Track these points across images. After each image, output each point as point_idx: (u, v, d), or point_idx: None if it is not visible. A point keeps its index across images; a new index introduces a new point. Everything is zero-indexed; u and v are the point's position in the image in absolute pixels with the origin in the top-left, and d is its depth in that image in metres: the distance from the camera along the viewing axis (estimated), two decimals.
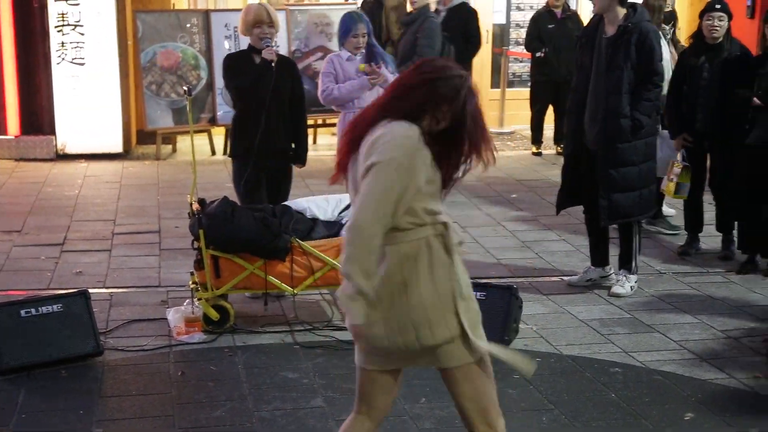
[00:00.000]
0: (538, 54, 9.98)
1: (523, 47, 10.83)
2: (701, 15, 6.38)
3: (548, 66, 9.90)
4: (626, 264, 5.89)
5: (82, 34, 9.66)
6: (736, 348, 5.04)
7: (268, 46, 5.60)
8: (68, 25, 9.64)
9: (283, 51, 10.23)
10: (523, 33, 10.98)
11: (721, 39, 6.29)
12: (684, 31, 10.03)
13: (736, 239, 6.51)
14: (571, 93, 5.87)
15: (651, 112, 5.62)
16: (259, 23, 5.62)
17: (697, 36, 6.41)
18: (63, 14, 9.61)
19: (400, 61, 7.94)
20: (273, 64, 5.57)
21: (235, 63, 5.73)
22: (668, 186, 6.50)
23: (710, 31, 6.28)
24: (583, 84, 5.69)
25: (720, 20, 6.26)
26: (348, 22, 6.21)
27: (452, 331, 2.92)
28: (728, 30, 6.33)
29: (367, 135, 2.90)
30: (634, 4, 5.62)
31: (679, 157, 6.44)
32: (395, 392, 3.12)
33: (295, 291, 5.20)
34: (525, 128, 10.80)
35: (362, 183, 2.83)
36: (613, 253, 6.04)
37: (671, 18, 6.87)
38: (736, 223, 6.50)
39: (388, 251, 2.88)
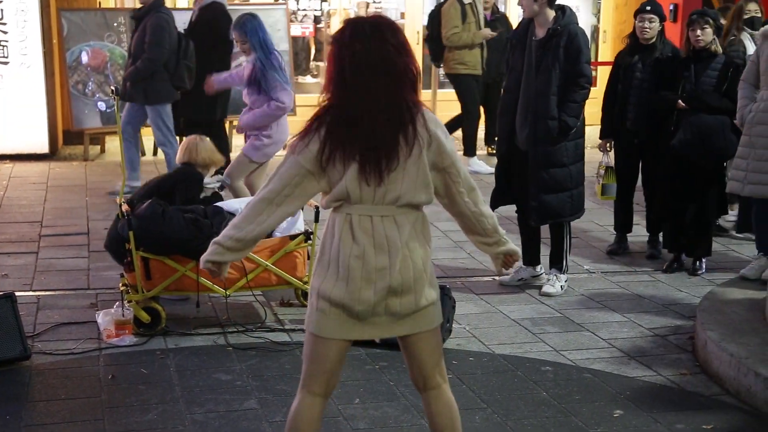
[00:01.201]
0: None
1: None
2: (635, 15, 6.53)
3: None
4: (557, 263, 5.98)
5: (5, 32, 9.45)
6: (662, 346, 5.15)
7: (227, 183, 5.88)
8: None
9: None
10: None
11: (653, 40, 6.43)
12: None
13: (662, 239, 6.66)
14: (503, 94, 5.95)
15: (578, 114, 5.71)
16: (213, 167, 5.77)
17: (633, 36, 6.54)
18: None
19: (132, 59, 7.93)
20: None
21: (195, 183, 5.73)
22: (597, 188, 6.63)
23: (641, 31, 6.42)
24: (515, 85, 5.77)
25: (651, 21, 6.39)
26: None
27: (437, 291, 3.17)
28: (661, 31, 6.47)
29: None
30: (563, 7, 5.71)
31: (604, 159, 6.56)
32: (341, 367, 3.20)
33: (227, 292, 5.16)
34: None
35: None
36: (544, 252, 6.13)
37: (757, 23, 6.89)
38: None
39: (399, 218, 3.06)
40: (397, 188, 3.01)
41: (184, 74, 8.07)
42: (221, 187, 5.60)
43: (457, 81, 9.60)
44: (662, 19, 6.46)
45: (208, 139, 5.77)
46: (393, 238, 3.02)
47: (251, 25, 6.32)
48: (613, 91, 6.58)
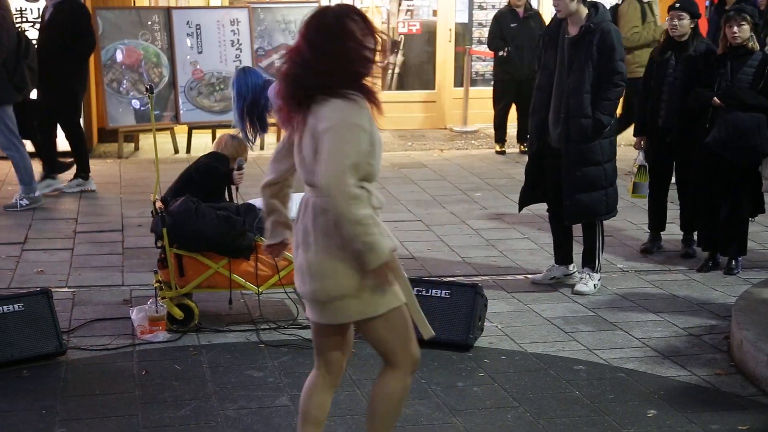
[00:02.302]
0: (500, 53, 10.03)
1: (485, 46, 10.88)
2: (668, 12, 6.47)
3: (510, 65, 9.96)
4: (589, 262, 5.93)
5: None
6: (697, 345, 5.10)
7: (241, 165, 5.53)
8: (27, 21, 9.51)
9: (246, 49, 10.22)
10: (485, 32, 11.02)
11: (686, 37, 6.36)
12: None
13: (696, 237, 6.59)
14: (535, 92, 5.91)
15: (612, 111, 5.68)
16: (239, 156, 5.56)
17: (667, 33, 6.49)
18: (21, 10, 9.49)
19: None
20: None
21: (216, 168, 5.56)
22: (628, 186, 6.57)
23: (671, 29, 6.37)
24: (547, 83, 5.74)
25: (680, 19, 6.33)
26: None
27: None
28: (695, 28, 6.40)
29: None
30: (596, 4, 5.67)
31: (641, 156, 6.51)
32: (344, 348, 3.40)
33: (259, 290, 5.18)
34: (488, 127, 10.85)
35: None
36: (577, 251, 6.09)
37: None
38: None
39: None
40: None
41: (25, 75, 7.62)
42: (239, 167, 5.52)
43: (633, 83, 8.93)
44: (694, 16, 6.38)
45: (239, 137, 5.76)
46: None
47: None
48: (648, 88, 6.53)
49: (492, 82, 10.59)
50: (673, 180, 6.75)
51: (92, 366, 4.70)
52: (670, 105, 6.39)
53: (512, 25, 9.96)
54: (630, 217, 7.59)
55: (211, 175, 5.44)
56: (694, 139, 6.27)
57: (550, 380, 4.62)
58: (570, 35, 5.63)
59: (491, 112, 10.40)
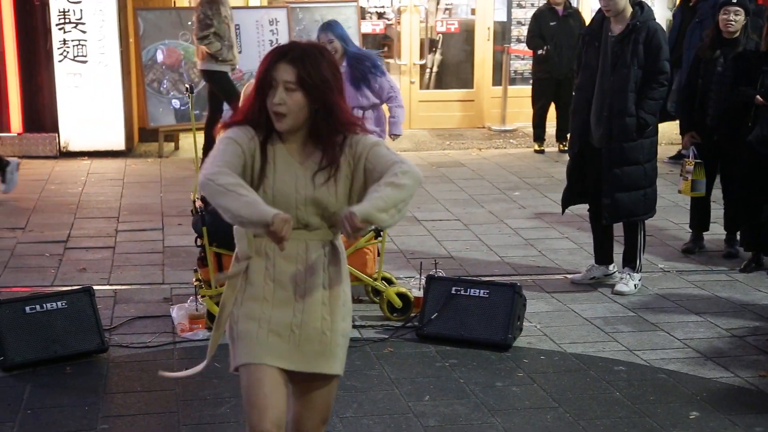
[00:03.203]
0: (539, 51, 9.98)
1: (524, 45, 10.82)
2: (719, 8, 6.38)
3: (549, 63, 9.91)
4: (630, 262, 5.88)
5: (84, 32, 9.66)
6: (740, 346, 5.04)
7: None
8: (70, 22, 9.63)
9: None
10: (524, 30, 10.97)
11: (737, 34, 6.29)
12: None
13: (739, 237, 6.50)
14: (575, 92, 5.87)
15: (656, 111, 5.63)
16: None
17: (715, 29, 6.41)
18: (64, 12, 9.60)
19: None
20: None
21: None
22: (684, 185, 6.45)
23: (726, 25, 6.28)
24: (589, 83, 5.69)
25: (736, 14, 6.24)
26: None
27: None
28: (746, 25, 6.32)
29: None
30: (641, 2, 5.61)
31: (690, 154, 6.41)
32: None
33: None
34: (527, 126, 10.80)
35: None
36: (617, 250, 6.03)
37: None
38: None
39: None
40: None
41: None
42: None
43: None
44: (747, 12, 6.30)
45: None
46: None
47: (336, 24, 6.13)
48: (693, 86, 6.45)
49: (531, 81, 10.54)
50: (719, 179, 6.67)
51: (133, 363, 4.74)
52: (718, 104, 6.31)
53: (551, 23, 9.90)
54: (671, 217, 7.51)
55: None
56: (739, 138, 6.19)
57: (590, 381, 4.59)
58: (614, 33, 5.58)
59: (530, 111, 10.35)
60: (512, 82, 11.67)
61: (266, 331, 2.86)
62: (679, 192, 6.59)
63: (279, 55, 2.82)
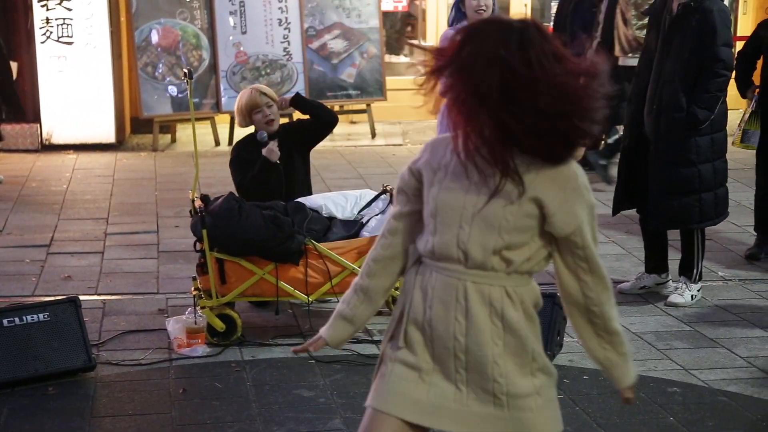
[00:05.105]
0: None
1: None
2: None
3: None
4: (687, 271, 5.85)
5: (69, 9, 9.73)
6: None
7: (263, 140, 5.57)
8: None
9: (295, 29, 10.28)
10: None
11: None
12: None
13: None
14: (634, 78, 5.85)
15: (712, 106, 5.53)
16: (257, 108, 5.60)
17: None
18: None
19: None
20: (278, 161, 5.56)
21: (244, 153, 5.65)
22: (736, 135, 6.38)
23: None
24: (646, 68, 5.66)
25: None
26: None
27: None
28: None
29: None
30: None
31: (753, 103, 6.33)
32: None
33: (309, 298, 5.21)
34: None
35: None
36: (672, 257, 6.02)
37: None
38: None
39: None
40: None
41: None
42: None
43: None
44: None
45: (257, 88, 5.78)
46: None
47: None
48: (747, 58, 6.45)
49: None
50: None
51: (124, 383, 4.77)
52: None
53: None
54: (733, 218, 7.47)
55: (239, 170, 5.52)
56: None
57: (640, 404, 4.58)
58: (673, 13, 5.55)
59: None
60: None
61: None
62: (732, 144, 6.50)
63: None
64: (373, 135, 10.72)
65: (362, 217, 5.47)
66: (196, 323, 5.09)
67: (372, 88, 10.58)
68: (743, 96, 6.54)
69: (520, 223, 2.61)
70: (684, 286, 5.85)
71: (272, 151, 5.55)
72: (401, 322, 2.78)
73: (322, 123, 5.73)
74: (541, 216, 2.61)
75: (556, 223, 2.61)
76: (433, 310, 2.67)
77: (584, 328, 2.77)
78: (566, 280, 2.76)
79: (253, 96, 5.62)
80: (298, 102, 5.78)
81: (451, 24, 5.99)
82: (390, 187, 5.44)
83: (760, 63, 6.63)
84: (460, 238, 2.62)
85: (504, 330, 2.65)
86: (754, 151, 6.53)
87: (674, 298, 5.83)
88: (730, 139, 6.27)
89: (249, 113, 5.62)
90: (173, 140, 10.40)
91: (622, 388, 2.77)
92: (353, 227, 5.43)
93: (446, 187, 2.65)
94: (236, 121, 5.80)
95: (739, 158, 8.61)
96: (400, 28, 13.68)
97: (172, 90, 10.00)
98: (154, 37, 9.95)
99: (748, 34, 6.87)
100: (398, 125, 11.26)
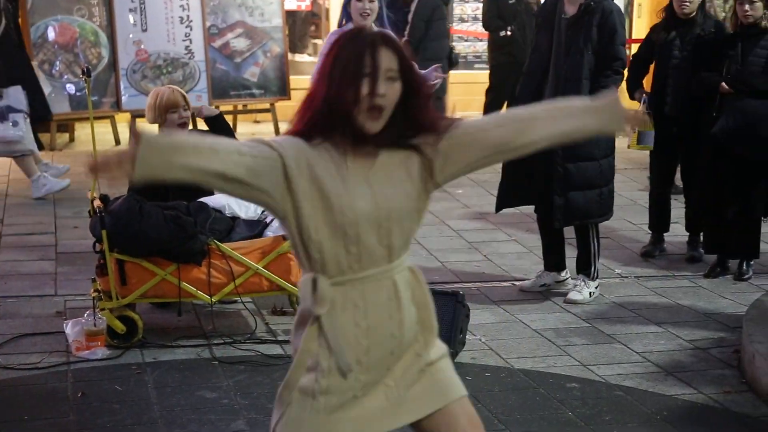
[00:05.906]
0: (501, 33, 9.99)
1: (468, 25, 10.91)
2: None
3: (514, 46, 9.89)
4: (585, 269, 5.97)
5: None
6: (704, 360, 5.15)
7: None
8: None
9: (197, 27, 10.18)
10: (468, 8, 11.07)
11: (693, 14, 6.39)
12: None
13: (703, 239, 6.65)
14: (523, 77, 5.93)
15: None
16: (175, 108, 5.51)
17: (669, 9, 6.50)
18: None
19: None
20: None
21: None
22: (632, 138, 6.48)
23: (680, 5, 6.37)
24: (537, 68, 5.76)
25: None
26: None
27: None
28: (702, 3, 6.42)
29: None
30: None
31: (643, 105, 6.43)
32: None
33: (213, 299, 5.18)
34: (472, 115, 10.85)
35: None
36: (570, 254, 6.13)
37: None
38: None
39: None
40: None
41: None
42: None
43: None
44: None
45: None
46: None
47: None
48: (641, 60, 6.62)
49: (475, 66, 10.61)
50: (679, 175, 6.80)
51: (20, 387, 4.67)
52: (677, 91, 6.40)
53: (510, 1, 9.96)
54: (629, 216, 7.65)
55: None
56: (701, 130, 6.31)
57: (539, 400, 4.65)
58: (568, 15, 5.65)
59: (474, 99, 10.41)
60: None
61: None
62: (628, 147, 6.61)
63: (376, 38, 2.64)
64: (278, 134, 10.67)
65: (266, 217, 5.45)
66: (95, 325, 5.01)
67: (275, 87, 10.54)
68: (631, 97, 6.65)
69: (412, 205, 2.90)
70: (582, 283, 5.97)
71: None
72: (315, 369, 2.61)
73: None
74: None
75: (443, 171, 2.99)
76: (369, 318, 2.62)
77: (551, 127, 2.83)
78: (498, 135, 2.85)
79: (175, 95, 5.53)
80: (216, 121, 5.66)
81: (339, 25, 6.07)
82: None
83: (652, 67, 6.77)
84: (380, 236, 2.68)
85: (417, 308, 2.72)
86: (648, 152, 6.67)
87: (573, 295, 5.94)
88: (625, 141, 6.42)
89: (165, 111, 5.51)
90: (71, 139, 10.22)
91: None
92: (257, 227, 5.41)
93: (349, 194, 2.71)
94: (146, 116, 5.68)
95: (634, 158, 8.82)
96: (304, 27, 13.68)
97: (70, 88, 9.81)
98: (51, 34, 9.75)
99: (643, 37, 7.05)
100: None
